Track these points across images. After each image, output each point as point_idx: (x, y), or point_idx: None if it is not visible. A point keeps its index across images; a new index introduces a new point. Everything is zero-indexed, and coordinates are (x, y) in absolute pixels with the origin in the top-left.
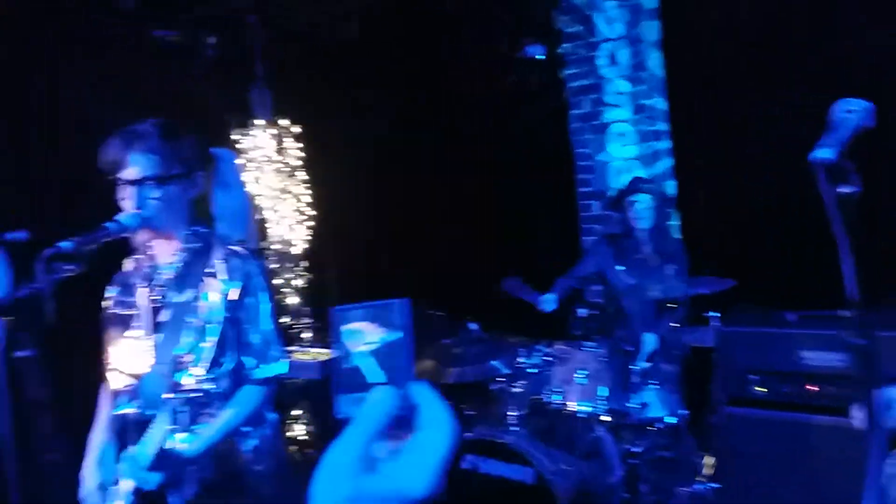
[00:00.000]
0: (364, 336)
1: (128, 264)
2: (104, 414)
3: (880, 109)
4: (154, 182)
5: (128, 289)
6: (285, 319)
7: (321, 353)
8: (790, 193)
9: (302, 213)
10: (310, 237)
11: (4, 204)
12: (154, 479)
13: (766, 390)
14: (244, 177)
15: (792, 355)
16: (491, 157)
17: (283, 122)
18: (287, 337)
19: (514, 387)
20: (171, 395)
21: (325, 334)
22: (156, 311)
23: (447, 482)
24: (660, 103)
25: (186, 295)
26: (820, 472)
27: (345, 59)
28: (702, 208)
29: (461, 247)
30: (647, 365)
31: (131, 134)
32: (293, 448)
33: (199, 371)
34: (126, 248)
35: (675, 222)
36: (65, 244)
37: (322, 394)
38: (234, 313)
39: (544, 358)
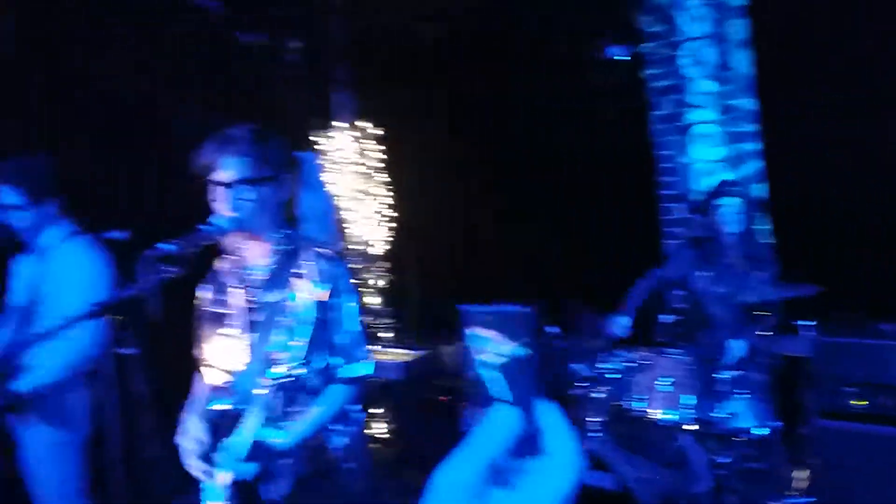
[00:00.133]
0: (491, 345)
1: (220, 265)
2: (196, 405)
3: None
4: (246, 184)
5: (221, 289)
6: (365, 319)
7: (401, 354)
8: (885, 196)
9: (381, 214)
10: (389, 238)
11: (104, 204)
12: (249, 470)
13: (865, 403)
14: (325, 178)
15: (893, 368)
16: (570, 159)
17: (364, 124)
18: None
19: (595, 392)
20: (264, 391)
21: (405, 334)
22: (248, 310)
23: None
24: (747, 104)
25: (277, 295)
26: None
27: (425, 61)
28: (791, 212)
29: (539, 248)
30: (735, 373)
31: (224, 138)
32: (373, 446)
33: (291, 369)
34: (215, 250)
35: (763, 227)
36: (166, 246)
37: (402, 393)
38: (323, 314)
39: (626, 364)
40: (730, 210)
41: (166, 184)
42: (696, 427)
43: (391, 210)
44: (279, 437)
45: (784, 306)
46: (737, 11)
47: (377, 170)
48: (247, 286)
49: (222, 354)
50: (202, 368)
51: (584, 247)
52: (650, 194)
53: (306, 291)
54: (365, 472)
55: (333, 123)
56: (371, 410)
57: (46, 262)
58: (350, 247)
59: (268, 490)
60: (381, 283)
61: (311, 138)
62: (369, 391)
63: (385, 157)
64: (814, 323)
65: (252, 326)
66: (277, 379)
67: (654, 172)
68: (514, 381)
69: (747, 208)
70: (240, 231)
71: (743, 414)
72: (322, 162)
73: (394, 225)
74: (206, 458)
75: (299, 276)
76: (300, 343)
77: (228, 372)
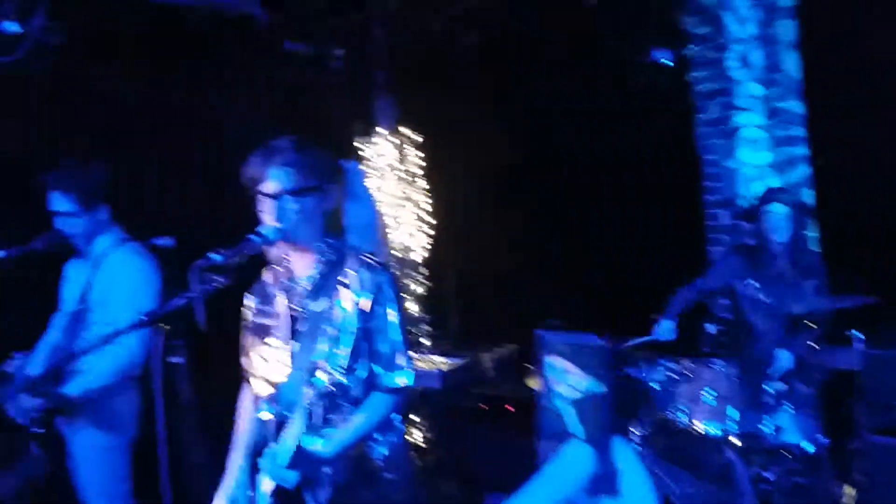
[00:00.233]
0: (567, 378)
1: (266, 275)
2: (244, 416)
3: None
4: (292, 195)
5: (266, 298)
6: (406, 327)
7: (440, 362)
8: None
9: (422, 220)
10: (429, 244)
11: (151, 211)
12: (292, 478)
13: None
14: (369, 185)
15: None
16: (613, 164)
17: (405, 130)
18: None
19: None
20: (308, 399)
21: (445, 342)
22: (293, 319)
23: None
24: (796, 107)
25: (322, 304)
26: None
27: (466, 67)
28: (841, 219)
29: (581, 256)
30: (782, 386)
31: (270, 150)
32: (413, 455)
33: (335, 377)
34: (261, 260)
35: (813, 234)
36: (215, 256)
37: (441, 401)
38: (366, 323)
39: (668, 374)
40: (778, 217)
41: (212, 192)
42: (741, 441)
43: (431, 216)
44: (321, 445)
45: (833, 317)
46: (785, 12)
47: (418, 175)
48: (291, 295)
49: (267, 363)
50: (247, 377)
51: (625, 253)
52: (695, 200)
53: (350, 300)
54: (406, 481)
55: (376, 129)
56: (410, 419)
57: (97, 268)
58: (391, 253)
59: (309, 498)
60: (420, 290)
61: (354, 145)
62: (409, 400)
63: (426, 163)
64: (864, 335)
65: (296, 335)
66: (321, 387)
67: (698, 177)
68: (589, 418)
69: (796, 215)
70: (285, 241)
71: (789, 428)
72: (365, 169)
73: (433, 231)
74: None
75: (343, 285)
76: (343, 352)
77: (273, 380)
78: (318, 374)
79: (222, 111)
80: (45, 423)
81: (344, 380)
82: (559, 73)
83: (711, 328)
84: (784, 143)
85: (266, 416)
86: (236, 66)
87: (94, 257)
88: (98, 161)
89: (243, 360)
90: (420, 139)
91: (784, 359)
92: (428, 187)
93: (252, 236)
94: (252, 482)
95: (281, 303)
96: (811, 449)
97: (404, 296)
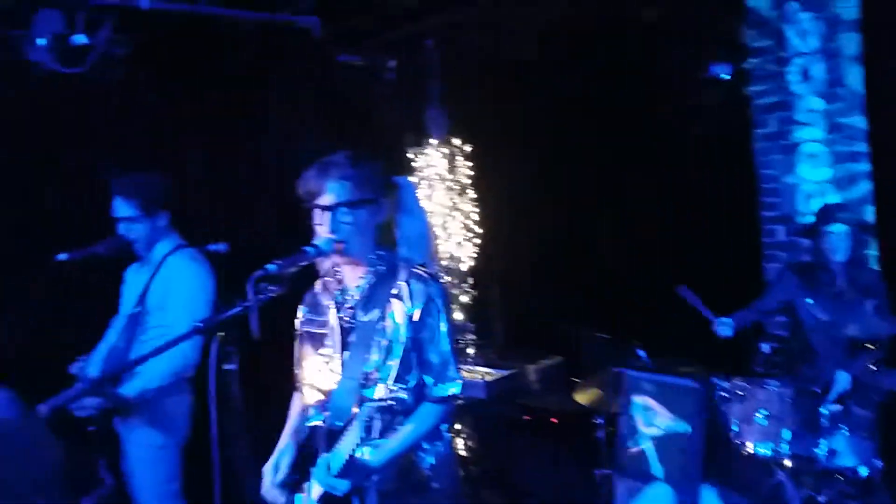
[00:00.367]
0: (653, 417)
1: (318, 285)
2: (292, 422)
3: None
4: (347, 207)
5: (318, 309)
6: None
7: (484, 372)
8: None
9: (470, 230)
10: (477, 254)
11: (205, 218)
12: (342, 486)
13: None
14: (421, 198)
15: None
16: (665, 178)
17: (455, 140)
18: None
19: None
20: (361, 409)
21: (490, 352)
22: (345, 330)
23: None
24: (859, 122)
25: (373, 315)
26: None
27: (518, 78)
28: None
29: (632, 270)
30: (837, 408)
31: (326, 164)
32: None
33: (387, 387)
34: (314, 270)
35: (874, 252)
36: (271, 266)
37: (487, 412)
38: (416, 334)
39: (720, 393)
40: (839, 235)
41: (269, 201)
42: (793, 462)
43: (479, 226)
44: (371, 455)
45: (893, 340)
46: (849, 25)
47: (467, 186)
48: (342, 306)
49: (319, 373)
50: (299, 386)
51: (679, 269)
52: (753, 215)
53: (400, 311)
54: (452, 490)
55: (427, 140)
56: (455, 429)
57: (155, 273)
58: (441, 263)
59: None
60: (465, 298)
61: (406, 156)
62: (455, 410)
63: (475, 173)
64: None
65: (347, 346)
66: (377, 401)
67: (757, 192)
68: (674, 460)
69: (857, 233)
70: (339, 253)
71: (844, 451)
72: (416, 180)
73: (480, 241)
74: (284, 486)
75: (394, 296)
76: (394, 363)
77: (323, 389)
78: (372, 385)
79: (279, 123)
80: (103, 423)
81: (401, 393)
82: (614, 87)
83: (766, 347)
84: (845, 158)
85: (316, 423)
86: (292, 78)
87: (153, 262)
88: (159, 169)
89: (296, 369)
90: (470, 149)
91: (842, 380)
92: (476, 197)
93: (307, 248)
94: (294, 487)
95: (332, 313)
96: (865, 472)
97: (453, 306)
